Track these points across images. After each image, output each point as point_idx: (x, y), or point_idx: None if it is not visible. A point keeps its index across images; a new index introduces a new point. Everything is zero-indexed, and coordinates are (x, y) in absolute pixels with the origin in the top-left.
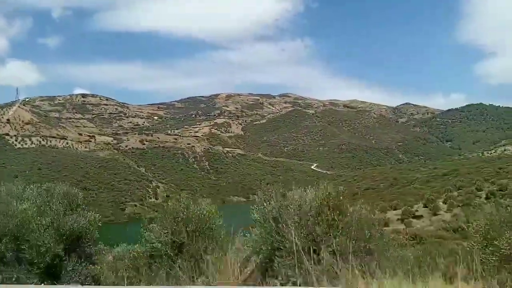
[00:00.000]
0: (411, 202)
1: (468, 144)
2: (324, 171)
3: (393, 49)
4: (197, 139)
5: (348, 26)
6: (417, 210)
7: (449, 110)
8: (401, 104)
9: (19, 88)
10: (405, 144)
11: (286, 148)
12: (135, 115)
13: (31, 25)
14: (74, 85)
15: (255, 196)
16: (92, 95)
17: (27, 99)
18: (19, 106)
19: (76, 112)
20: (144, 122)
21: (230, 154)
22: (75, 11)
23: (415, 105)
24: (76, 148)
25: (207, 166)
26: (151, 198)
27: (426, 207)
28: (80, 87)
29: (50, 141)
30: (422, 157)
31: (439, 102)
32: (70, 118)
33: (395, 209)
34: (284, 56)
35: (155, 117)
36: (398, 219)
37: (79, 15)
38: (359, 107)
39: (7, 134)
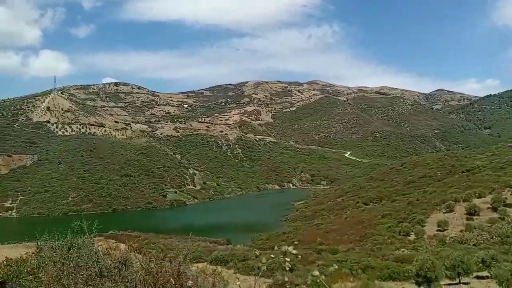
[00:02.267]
0: (495, 190)
1: (508, 131)
2: (360, 159)
3: (423, 34)
4: (229, 126)
5: (377, 12)
6: (506, 198)
7: (487, 96)
8: (434, 91)
9: (55, 78)
10: (442, 132)
11: (317, 135)
12: (166, 103)
13: (63, 15)
14: (103, 74)
15: (289, 184)
16: (124, 84)
17: (64, 88)
18: (57, 94)
19: (109, 101)
20: (175, 110)
21: (262, 142)
22: (106, 1)
23: (449, 91)
24: (114, 136)
25: (241, 154)
26: (189, 185)
27: None
28: (109, 76)
29: (89, 129)
30: (460, 145)
31: (473, 87)
32: (104, 107)
33: (479, 197)
34: (311, 43)
35: (185, 105)
36: (488, 207)
37: (109, 5)
38: (391, 94)
39: (48, 122)
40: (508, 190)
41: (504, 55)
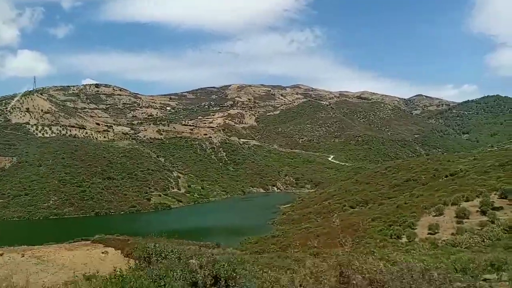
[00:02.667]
0: (482, 194)
1: (485, 137)
2: (343, 163)
3: (402, 41)
4: (213, 129)
5: (357, 17)
6: (493, 201)
7: (465, 101)
8: (413, 96)
9: (35, 78)
10: (422, 136)
11: (301, 139)
12: (148, 106)
13: (41, 15)
14: (83, 75)
15: (274, 187)
16: (106, 85)
17: (43, 89)
18: (37, 95)
19: (90, 102)
20: (157, 113)
21: (246, 145)
22: (86, 1)
23: (428, 96)
24: (96, 138)
25: (225, 157)
26: (173, 188)
27: (503, 198)
28: (89, 78)
29: (70, 130)
30: (440, 150)
31: (450, 93)
32: (85, 108)
33: (467, 201)
34: (293, 46)
35: (168, 108)
36: (477, 211)
37: (89, 5)
38: (372, 99)
39: (28, 123)
40: (495, 194)
41: (480, 62)
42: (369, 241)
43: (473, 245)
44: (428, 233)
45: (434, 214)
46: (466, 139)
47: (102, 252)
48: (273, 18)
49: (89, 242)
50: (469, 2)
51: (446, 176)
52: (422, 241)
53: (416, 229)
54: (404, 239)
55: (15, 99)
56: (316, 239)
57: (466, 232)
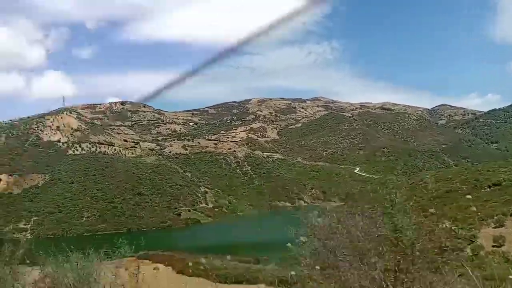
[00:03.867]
0: None
1: None
2: (370, 175)
3: (421, 50)
4: (236, 143)
5: (375, 28)
6: None
7: (491, 110)
8: (437, 106)
9: (64, 98)
10: (449, 147)
11: (325, 152)
12: (172, 122)
13: (66, 36)
14: (107, 94)
15: (300, 200)
16: (130, 103)
17: (71, 107)
18: (66, 114)
19: (116, 119)
20: (181, 128)
21: (270, 159)
22: (107, 21)
23: (452, 106)
24: (124, 154)
25: (250, 171)
26: (201, 203)
27: None
28: (112, 96)
29: (99, 147)
30: (469, 160)
31: (474, 102)
32: (111, 125)
33: None
34: (311, 59)
35: (191, 123)
36: None
37: (111, 25)
38: (394, 109)
39: (59, 141)
40: None
41: (503, 70)
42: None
43: None
44: (493, 246)
45: (494, 225)
46: (495, 148)
47: (154, 269)
48: (290, 31)
49: (133, 258)
50: (490, 9)
51: (489, 187)
52: (489, 254)
53: (477, 242)
54: (467, 252)
55: (46, 118)
56: None
57: None
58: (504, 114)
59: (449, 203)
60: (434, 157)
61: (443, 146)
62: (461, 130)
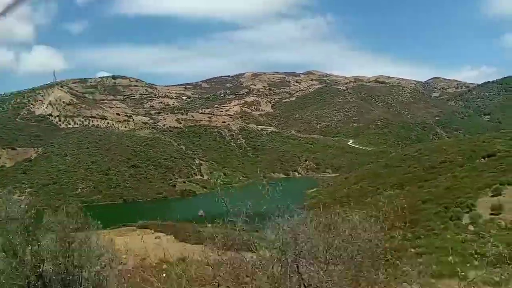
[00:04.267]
0: None
1: (508, 118)
2: (363, 147)
3: (417, 23)
4: (231, 117)
5: (370, 2)
6: None
7: (485, 83)
8: (430, 79)
9: (55, 72)
10: (442, 119)
11: (319, 125)
12: (164, 96)
13: (55, 11)
14: (98, 69)
15: (295, 172)
16: (122, 77)
17: (62, 81)
18: (58, 88)
19: (108, 94)
20: (174, 102)
21: (264, 132)
22: None
23: (445, 79)
24: (117, 128)
25: (244, 144)
26: (196, 175)
27: None
28: (104, 71)
29: (92, 121)
30: (461, 132)
31: (468, 75)
32: (103, 100)
33: None
34: (306, 33)
35: (184, 97)
36: None
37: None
38: (388, 82)
39: (51, 115)
40: None
41: (497, 43)
42: (430, 224)
43: None
44: (491, 214)
45: (492, 194)
46: (488, 120)
47: (155, 238)
48: (285, 5)
49: (133, 227)
50: None
51: (484, 157)
52: (488, 222)
53: (475, 210)
54: (465, 221)
55: (37, 92)
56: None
57: None
58: (497, 87)
59: (444, 173)
60: (427, 130)
61: (436, 118)
62: (454, 102)
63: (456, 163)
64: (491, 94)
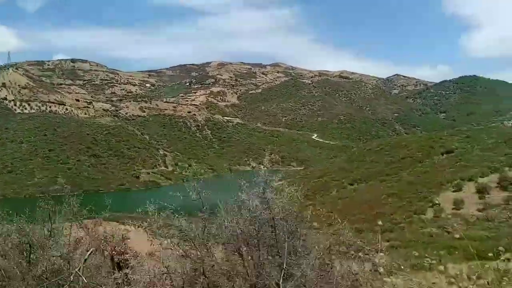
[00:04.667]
0: (497, 169)
1: (462, 116)
2: (327, 141)
3: (378, 20)
4: (196, 107)
5: None
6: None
7: (442, 81)
8: (391, 76)
9: (9, 53)
10: (401, 116)
11: (284, 118)
12: (127, 82)
13: None
14: (55, 51)
15: (260, 165)
16: (82, 61)
17: (17, 63)
18: (13, 70)
19: (66, 78)
20: (136, 90)
21: (230, 123)
22: None
23: (405, 76)
24: (77, 114)
25: (210, 135)
26: (161, 166)
27: None
28: (62, 53)
29: (50, 107)
30: (419, 128)
31: (426, 74)
32: (61, 84)
33: (482, 176)
34: (272, 24)
35: (148, 85)
36: (496, 186)
37: None
38: (351, 78)
39: (5, 99)
40: (509, 169)
41: (454, 43)
42: (395, 217)
43: (505, 219)
44: (453, 209)
45: (453, 189)
46: (443, 118)
47: (123, 230)
48: None
49: (98, 220)
50: None
51: (442, 154)
52: (450, 216)
53: (438, 204)
54: (429, 215)
55: None
56: (331, 215)
57: (494, 207)
58: (454, 86)
59: (405, 168)
60: (386, 125)
61: (395, 115)
62: (412, 100)
63: (416, 158)
64: (447, 92)
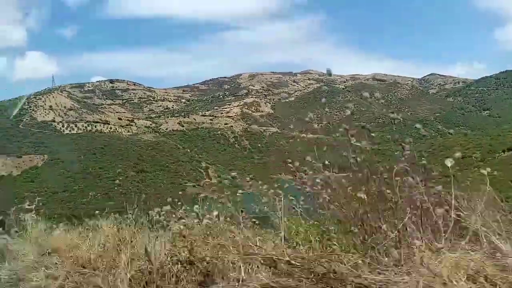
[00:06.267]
0: None
1: (507, 112)
2: (367, 145)
3: (409, 21)
4: (232, 119)
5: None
6: None
7: (482, 78)
8: (426, 75)
9: (53, 77)
10: (443, 115)
11: (321, 124)
12: (163, 99)
13: (47, 15)
14: (92, 74)
15: (301, 173)
16: (120, 81)
17: (60, 86)
18: (58, 93)
19: (106, 98)
20: (173, 105)
21: (266, 133)
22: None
23: (441, 75)
24: (121, 132)
25: (248, 146)
26: (205, 178)
27: None
28: (98, 75)
29: (95, 126)
30: (463, 127)
31: (460, 72)
32: (102, 104)
33: None
34: (299, 33)
35: (183, 100)
36: None
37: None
38: (385, 80)
39: (54, 121)
40: None
41: (488, 38)
42: None
43: None
44: None
45: None
46: (487, 115)
47: None
48: (275, 4)
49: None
50: None
51: (503, 151)
52: None
53: None
54: None
55: (37, 98)
56: None
57: None
58: (495, 81)
59: (467, 168)
60: (428, 126)
61: (436, 114)
62: (452, 98)
63: (476, 158)
64: (489, 89)
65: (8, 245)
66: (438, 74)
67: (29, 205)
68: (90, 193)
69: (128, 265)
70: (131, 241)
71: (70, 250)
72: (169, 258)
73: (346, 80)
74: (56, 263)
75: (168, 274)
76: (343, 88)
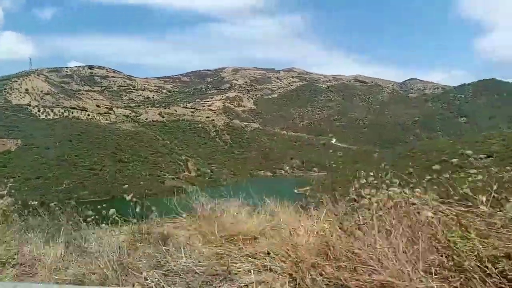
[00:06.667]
0: None
1: (483, 119)
2: (348, 146)
3: (392, 25)
4: (214, 112)
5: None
6: None
7: (461, 85)
8: (407, 80)
9: (31, 59)
10: (421, 120)
11: (302, 122)
12: (143, 88)
13: None
14: (69, 58)
15: (281, 170)
16: (99, 67)
17: (37, 70)
18: (35, 76)
19: (84, 84)
20: (153, 96)
21: (248, 128)
22: None
23: (421, 80)
24: (99, 120)
25: (229, 140)
26: (184, 171)
27: None
28: (75, 60)
29: (72, 112)
30: (440, 133)
31: (440, 78)
32: (80, 91)
33: None
34: (283, 30)
35: (164, 90)
36: None
37: None
38: (367, 82)
39: (29, 105)
40: None
41: (468, 46)
42: None
43: None
44: None
45: None
46: (464, 122)
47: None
48: (262, 1)
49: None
50: None
51: (481, 158)
52: None
53: None
54: None
55: (12, 80)
56: None
57: None
58: (473, 89)
59: (444, 173)
60: (406, 130)
61: (415, 119)
62: (431, 104)
63: (453, 163)
64: (467, 96)
65: None
66: (418, 79)
67: (0, 190)
68: (64, 181)
69: None
70: None
71: None
72: None
73: (329, 80)
74: None
75: None
76: (326, 88)
